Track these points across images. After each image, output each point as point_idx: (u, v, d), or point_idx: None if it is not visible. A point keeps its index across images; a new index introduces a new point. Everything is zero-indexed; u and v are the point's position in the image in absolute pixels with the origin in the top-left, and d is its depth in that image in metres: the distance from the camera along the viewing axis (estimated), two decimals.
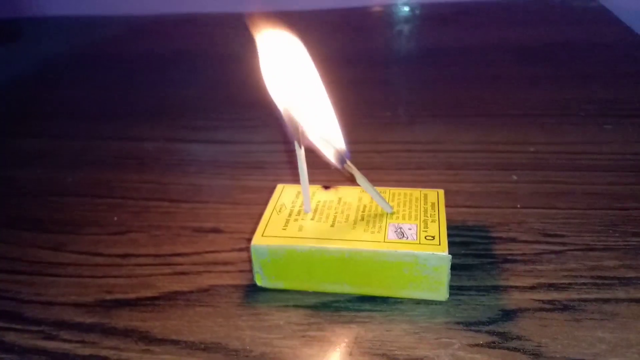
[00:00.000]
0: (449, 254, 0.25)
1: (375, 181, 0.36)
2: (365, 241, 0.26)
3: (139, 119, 0.49)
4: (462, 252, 0.29)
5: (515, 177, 0.36)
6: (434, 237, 0.26)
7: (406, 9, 0.77)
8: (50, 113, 0.53)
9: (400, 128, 0.44)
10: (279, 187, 0.31)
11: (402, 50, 0.63)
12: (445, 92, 0.50)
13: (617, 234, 0.30)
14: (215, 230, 0.33)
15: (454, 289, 0.27)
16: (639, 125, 0.41)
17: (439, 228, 0.26)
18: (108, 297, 0.28)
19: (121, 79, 0.60)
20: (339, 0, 0.78)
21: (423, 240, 0.26)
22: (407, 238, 0.26)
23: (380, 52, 0.63)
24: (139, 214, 0.35)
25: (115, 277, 0.29)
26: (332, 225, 0.27)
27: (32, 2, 0.85)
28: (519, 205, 0.33)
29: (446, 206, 0.32)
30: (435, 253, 0.25)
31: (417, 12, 0.75)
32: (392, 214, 0.28)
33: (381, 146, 0.41)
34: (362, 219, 0.27)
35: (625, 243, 0.29)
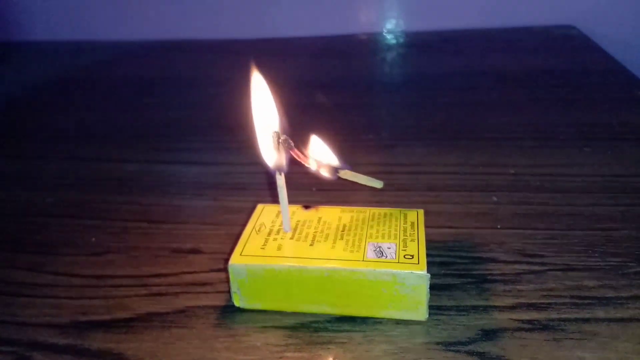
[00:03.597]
0: (427, 273, 0.25)
1: (357, 202, 0.36)
2: (344, 260, 0.26)
3: (121, 141, 0.49)
4: (442, 272, 0.29)
5: (495, 199, 0.36)
6: (412, 256, 0.26)
7: (390, 36, 0.78)
8: (31, 135, 0.52)
9: (382, 151, 0.44)
10: (259, 207, 0.31)
11: (385, 76, 0.64)
12: (427, 117, 0.50)
13: (596, 255, 0.30)
14: (194, 251, 0.32)
15: (433, 309, 0.26)
16: (617, 148, 0.41)
17: (418, 247, 0.26)
18: (83, 318, 0.27)
19: (104, 103, 0.60)
20: (324, 27, 0.79)
21: (402, 259, 0.25)
22: (386, 257, 0.26)
23: (365, 78, 0.63)
24: (118, 235, 0.34)
25: (90, 298, 0.29)
26: (312, 245, 0.27)
27: (19, 27, 0.86)
28: (499, 226, 0.33)
29: (427, 227, 0.32)
30: (413, 272, 0.25)
31: (401, 39, 0.77)
32: (372, 234, 0.27)
33: (363, 168, 0.40)
34: (342, 238, 0.27)
35: (605, 263, 0.29)
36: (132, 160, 0.45)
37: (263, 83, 0.26)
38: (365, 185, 0.37)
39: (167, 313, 0.27)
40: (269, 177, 0.40)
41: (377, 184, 0.28)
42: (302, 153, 0.26)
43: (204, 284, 0.29)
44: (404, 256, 0.26)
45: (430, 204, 0.36)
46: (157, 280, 0.30)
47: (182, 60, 0.74)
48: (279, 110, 0.26)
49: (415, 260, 0.25)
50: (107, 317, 0.27)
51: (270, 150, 0.26)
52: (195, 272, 0.30)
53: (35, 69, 0.74)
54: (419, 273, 0.25)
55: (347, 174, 0.28)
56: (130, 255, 0.32)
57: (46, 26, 0.85)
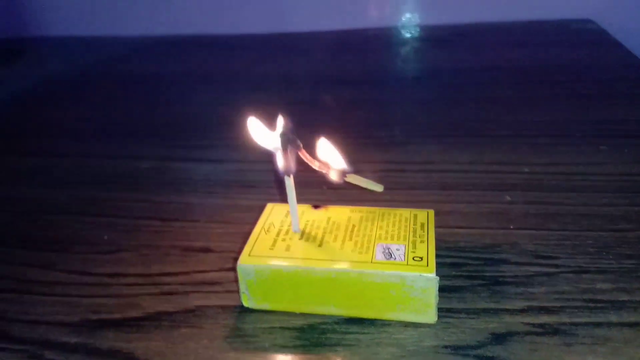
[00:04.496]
0: (436, 275, 0.25)
1: (367, 201, 0.36)
2: (353, 261, 0.26)
3: (135, 138, 0.49)
4: (453, 273, 0.29)
5: (508, 198, 0.35)
6: (422, 258, 0.25)
7: (405, 31, 0.77)
8: (48, 131, 0.53)
9: (395, 148, 0.44)
10: (269, 206, 0.31)
11: (399, 71, 0.64)
12: (441, 113, 0.50)
13: (610, 257, 0.29)
14: (205, 250, 0.32)
15: (443, 311, 0.26)
16: (634, 146, 0.41)
17: (427, 249, 0.26)
18: (94, 317, 0.28)
19: (120, 99, 0.61)
20: (337, 22, 0.79)
21: (411, 261, 0.25)
22: (395, 259, 0.26)
23: (379, 73, 0.63)
24: (130, 233, 0.35)
25: (102, 296, 0.29)
26: (320, 245, 0.27)
27: (37, 22, 0.86)
28: (511, 226, 0.32)
29: (438, 227, 0.32)
30: (422, 274, 0.24)
31: (416, 34, 0.76)
32: (381, 235, 0.27)
33: (375, 166, 0.41)
34: (351, 239, 0.27)
35: (620, 265, 0.29)
36: (146, 157, 0.45)
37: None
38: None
39: (177, 312, 0.27)
40: (279, 176, 0.40)
41: (378, 187, 0.28)
42: (309, 154, 0.26)
43: (213, 284, 0.29)
44: (413, 258, 0.25)
45: (442, 203, 0.35)
46: (167, 279, 0.30)
47: (198, 55, 0.75)
48: (284, 114, 0.26)
49: (424, 262, 0.25)
50: (117, 316, 0.28)
51: (278, 152, 0.26)
52: (205, 271, 0.30)
53: (51, 64, 0.75)
54: (427, 276, 0.24)
55: (350, 177, 0.28)
56: (141, 253, 0.32)
57: (63, 21, 0.86)
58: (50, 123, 0.55)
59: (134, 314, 0.28)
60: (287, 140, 0.25)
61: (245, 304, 0.27)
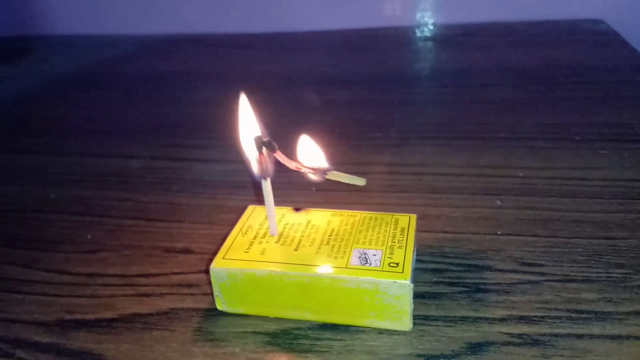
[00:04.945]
0: (414, 282, 0.24)
1: (355, 203, 0.35)
2: (327, 266, 0.25)
3: (130, 137, 0.49)
4: (434, 279, 0.28)
5: (499, 203, 0.34)
6: (397, 264, 0.25)
7: (411, 30, 0.76)
8: (45, 130, 0.53)
9: (390, 150, 0.43)
10: (250, 208, 0.30)
11: (402, 71, 0.63)
12: (439, 115, 0.49)
13: (599, 265, 0.28)
14: (186, 251, 0.32)
15: (420, 319, 0.25)
16: (635, 151, 0.39)
17: (405, 255, 0.25)
18: (68, 317, 0.28)
19: (119, 97, 0.61)
20: (337, 21, 0.78)
21: (386, 267, 0.25)
22: (371, 264, 0.25)
23: (381, 73, 0.62)
24: (113, 233, 0.34)
25: (78, 296, 0.29)
26: (296, 249, 0.26)
27: (44, 20, 0.87)
28: (499, 232, 0.31)
29: (424, 231, 0.31)
30: (396, 281, 0.24)
31: (423, 34, 0.75)
32: (359, 239, 0.27)
33: (368, 168, 0.40)
34: (328, 243, 0.27)
35: (607, 275, 0.28)
36: (138, 156, 0.45)
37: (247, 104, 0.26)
38: (367, 186, 0.37)
39: (151, 314, 0.27)
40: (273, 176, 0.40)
41: (360, 181, 0.27)
42: (286, 156, 0.26)
43: (190, 286, 0.29)
44: (389, 264, 0.25)
45: (431, 207, 0.34)
46: (145, 280, 0.30)
47: (201, 54, 0.74)
48: (258, 117, 0.26)
49: (399, 268, 0.24)
50: (91, 316, 0.27)
51: (254, 156, 0.26)
52: (183, 272, 0.30)
53: (55, 62, 0.75)
54: (401, 282, 0.24)
55: (331, 175, 0.27)
56: (122, 254, 0.32)
57: (69, 20, 0.86)
58: (48, 121, 0.55)
59: (107, 315, 0.27)
60: (262, 143, 0.25)
61: (219, 307, 0.27)
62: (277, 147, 0.25)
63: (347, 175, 0.27)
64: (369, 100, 0.54)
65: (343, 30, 0.77)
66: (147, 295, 0.29)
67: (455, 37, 0.72)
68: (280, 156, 0.26)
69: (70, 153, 0.47)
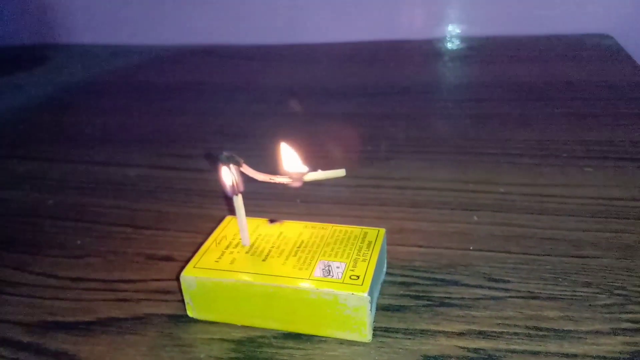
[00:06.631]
0: (369, 295, 0.25)
1: (333, 216, 0.36)
2: (290, 277, 0.26)
3: (129, 145, 0.51)
4: (400, 292, 0.29)
5: (476, 218, 0.35)
6: (358, 277, 0.26)
7: (416, 43, 0.77)
8: (51, 137, 0.55)
9: (377, 163, 0.44)
10: (227, 218, 0.31)
11: (402, 85, 0.63)
12: (431, 129, 0.49)
13: (566, 283, 0.29)
14: (167, 258, 0.33)
15: (381, 330, 0.26)
16: (620, 169, 0.39)
17: (367, 268, 0.26)
18: (50, 318, 0.29)
19: (125, 106, 0.63)
20: (341, 34, 0.79)
21: (347, 280, 0.25)
22: (333, 276, 0.26)
23: (380, 85, 0.63)
24: (102, 239, 0.36)
25: (62, 299, 0.30)
26: (264, 260, 0.27)
27: (61, 30, 0.90)
28: (471, 248, 0.32)
29: (397, 244, 0.32)
30: (354, 293, 0.25)
31: (429, 47, 0.75)
32: (326, 252, 0.27)
33: (353, 181, 0.41)
34: (295, 254, 0.28)
35: (572, 293, 0.28)
36: (135, 164, 0.46)
37: None
38: (349, 199, 0.38)
39: (126, 319, 0.28)
40: (260, 187, 0.41)
41: (340, 173, 0.28)
42: (252, 169, 0.27)
43: (167, 292, 0.30)
44: (350, 277, 0.26)
45: (408, 220, 0.35)
46: (125, 286, 0.31)
47: (210, 65, 0.76)
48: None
49: (359, 281, 0.25)
50: (71, 319, 0.29)
51: (223, 173, 0.27)
52: (162, 279, 0.31)
53: (68, 71, 0.78)
54: (359, 295, 0.25)
55: (309, 176, 0.28)
56: (107, 259, 0.34)
57: (86, 29, 0.89)
58: (54, 129, 0.57)
59: (87, 318, 0.29)
60: (228, 159, 0.26)
61: (190, 314, 0.28)
62: (241, 161, 0.26)
63: (325, 172, 0.28)
64: (365, 113, 0.55)
65: (350, 43, 0.79)
66: (125, 300, 0.30)
67: (460, 51, 0.72)
68: (247, 170, 0.27)
69: (73, 160, 0.49)
